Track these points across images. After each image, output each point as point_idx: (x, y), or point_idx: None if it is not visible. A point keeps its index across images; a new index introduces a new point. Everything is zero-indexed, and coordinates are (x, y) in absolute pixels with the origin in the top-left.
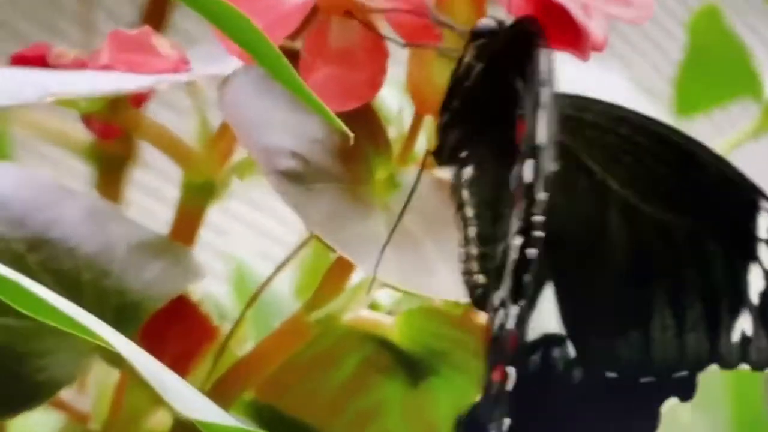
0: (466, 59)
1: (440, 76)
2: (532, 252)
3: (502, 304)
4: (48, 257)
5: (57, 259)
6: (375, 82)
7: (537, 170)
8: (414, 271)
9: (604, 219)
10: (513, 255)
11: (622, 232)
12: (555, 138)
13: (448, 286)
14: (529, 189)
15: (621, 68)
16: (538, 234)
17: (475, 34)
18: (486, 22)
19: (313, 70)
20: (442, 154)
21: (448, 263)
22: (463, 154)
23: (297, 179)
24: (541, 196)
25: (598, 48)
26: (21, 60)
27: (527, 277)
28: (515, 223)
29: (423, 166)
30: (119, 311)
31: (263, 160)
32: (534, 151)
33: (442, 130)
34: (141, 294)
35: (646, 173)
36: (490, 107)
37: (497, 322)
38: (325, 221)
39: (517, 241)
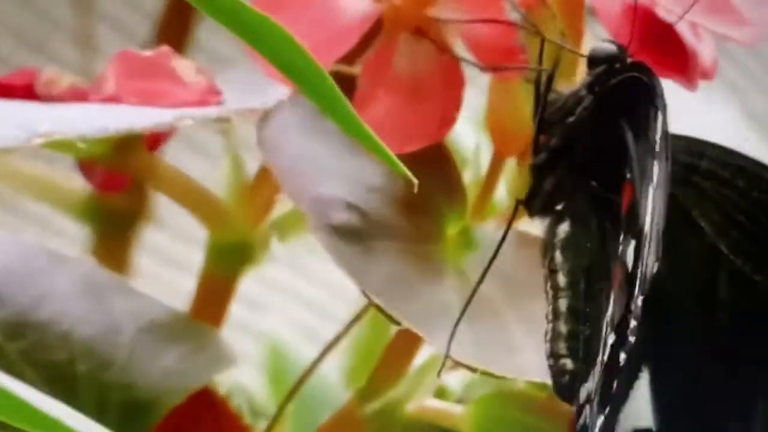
0: (579, 89)
1: (528, 108)
2: (624, 356)
3: (588, 400)
4: (32, 345)
5: (45, 347)
6: (448, 116)
7: (638, 258)
8: (494, 348)
9: (713, 290)
10: (604, 355)
11: (731, 307)
12: (664, 217)
13: (533, 365)
14: (630, 278)
15: (727, 96)
16: (632, 333)
17: (592, 60)
18: (605, 46)
19: (372, 101)
20: (534, 204)
21: (534, 339)
22: (560, 205)
23: (353, 236)
24: (639, 296)
25: (707, 76)
26: (2, 90)
27: (616, 384)
28: (611, 310)
29: (511, 220)
30: (125, 411)
31: (313, 212)
32: (639, 235)
33: (537, 174)
34: (154, 389)
35: (763, 238)
36: (598, 152)
37: (581, 421)
38: (387, 288)
39: (611, 339)
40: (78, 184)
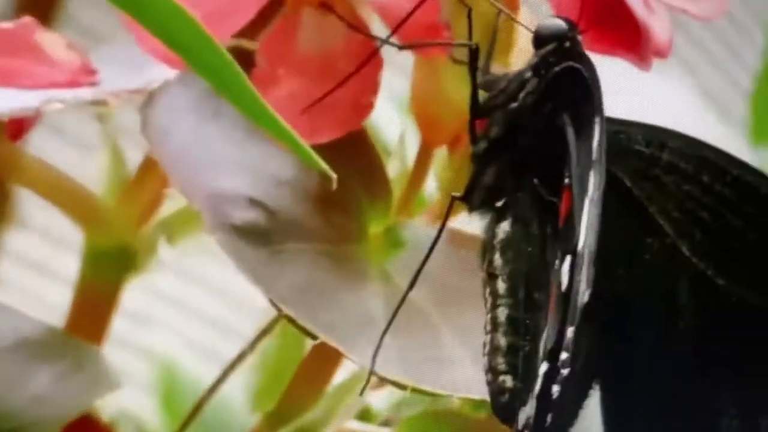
0: (523, 71)
1: (459, 90)
2: (556, 389)
3: (527, 426)
4: None
5: None
6: (363, 102)
7: (572, 281)
8: (425, 362)
9: (673, 297)
10: (537, 383)
11: (693, 314)
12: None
13: (470, 380)
14: (565, 299)
15: (684, 76)
16: (564, 366)
17: (538, 39)
18: (553, 23)
19: (273, 83)
20: (472, 198)
21: (470, 351)
22: (500, 202)
23: (258, 238)
24: (570, 327)
25: (661, 54)
26: None
27: (550, 417)
28: (546, 332)
29: (445, 217)
30: None
31: (209, 210)
32: (574, 253)
33: (476, 165)
34: (22, 418)
35: (728, 238)
36: (542, 145)
37: None
38: (300, 296)
39: (544, 367)
40: None
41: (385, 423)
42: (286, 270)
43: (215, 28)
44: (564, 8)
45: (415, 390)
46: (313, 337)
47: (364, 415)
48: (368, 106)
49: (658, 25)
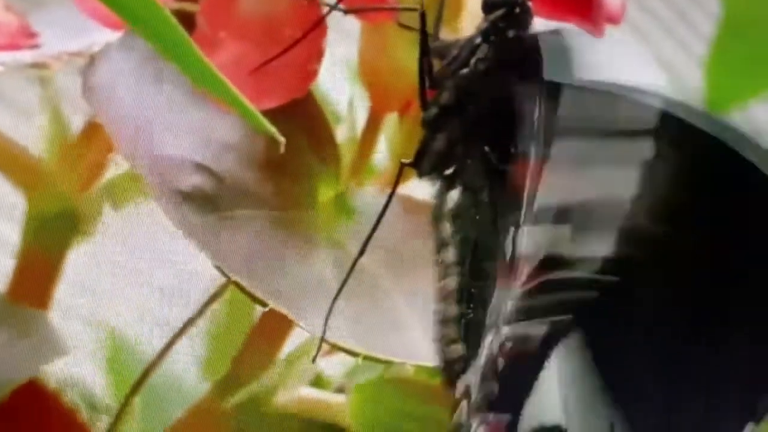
0: (474, 37)
1: (408, 55)
2: (500, 362)
3: (467, 395)
4: None
5: None
6: (309, 68)
7: (515, 250)
8: (377, 328)
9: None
10: (484, 353)
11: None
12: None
13: (423, 347)
14: (513, 265)
15: (639, 44)
16: (509, 333)
17: (487, 3)
18: None
19: (214, 47)
20: (422, 164)
21: (423, 317)
22: (451, 169)
23: (205, 204)
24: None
25: (614, 20)
26: None
27: (496, 389)
28: (493, 303)
29: (395, 184)
30: None
31: (153, 176)
32: (517, 227)
33: (426, 131)
34: None
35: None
36: (493, 112)
37: (455, 418)
38: (248, 263)
39: (490, 337)
40: None
41: (339, 390)
42: (234, 236)
43: None
44: None
45: (366, 357)
46: (263, 304)
47: (318, 382)
48: (313, 73)
49: None
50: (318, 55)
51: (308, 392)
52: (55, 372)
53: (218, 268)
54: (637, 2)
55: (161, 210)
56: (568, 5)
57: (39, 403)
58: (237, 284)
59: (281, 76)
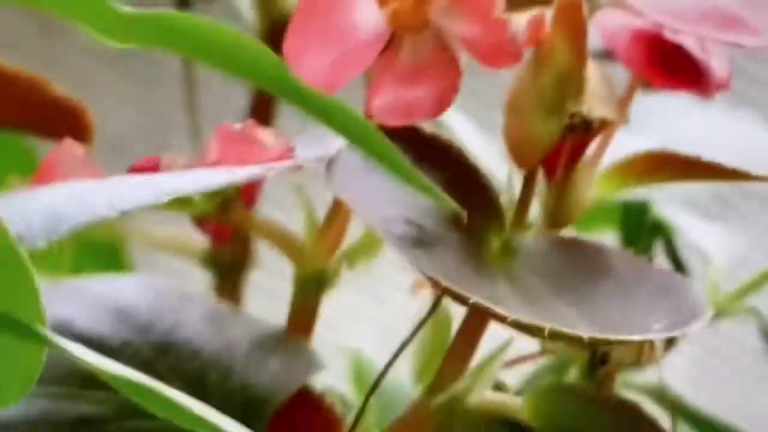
0: None
1: (543, 128)
2: None
3: None
4: (175, 361)
5: (183, 362)
6: (444, 99)
7: None
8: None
9: None
10: None
11: None
12: None
13: None
14: None
15: (754, 116)
16: None
17: None
18: None
19: (380, 90)
20: None
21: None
22: None
23: (415, 243)
24: None
25: (723, 85)
26: (135, 171)
27: None
28: None
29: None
30: (245, 408)
31: (381, 227)
32: None
33: None
34: (265, 389)
35: None
36: None
37: None
38: (447, 276)
39: None
40: (197, 240)
41: (517, 393)
42: (440, 262)
43: (346, 67)
44: (628, 59)
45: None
46: (465, 301)
47: (498, 387)
48: (448, 102)
49: (716, 62)
50: (454, 87)
51: (492, 395)
52: (318, 381)
53: (427, 276)
54: (747, 78)
55: (390, 248)
56: (680, 79)
57: (311, 402)
58: (445, 287)
59: (423, 102)
